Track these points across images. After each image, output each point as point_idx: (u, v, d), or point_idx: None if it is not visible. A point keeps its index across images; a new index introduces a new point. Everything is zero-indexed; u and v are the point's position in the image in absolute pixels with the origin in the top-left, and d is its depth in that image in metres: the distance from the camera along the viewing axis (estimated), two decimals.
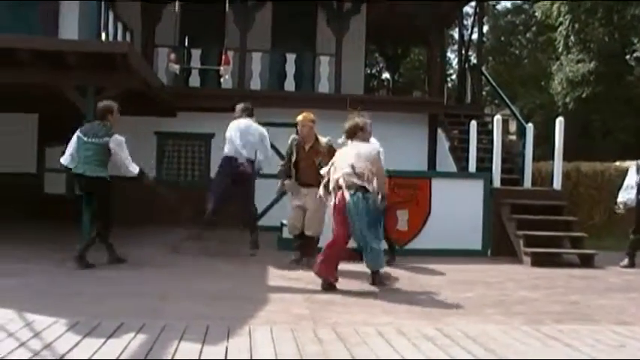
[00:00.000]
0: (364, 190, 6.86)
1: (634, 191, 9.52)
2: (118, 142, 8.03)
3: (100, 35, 10.94)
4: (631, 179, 9.67)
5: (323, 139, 8.43)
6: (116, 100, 8.90)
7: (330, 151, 7.86)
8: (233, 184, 9.26)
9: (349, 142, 7.28)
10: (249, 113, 9.46)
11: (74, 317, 5.20)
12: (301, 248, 8.53)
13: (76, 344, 4.50)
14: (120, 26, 12.76)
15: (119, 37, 12.57)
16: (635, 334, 5.37)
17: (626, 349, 4.90)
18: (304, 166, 8.46)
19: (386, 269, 7.61)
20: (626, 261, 9.47)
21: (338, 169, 7.07)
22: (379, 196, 7.00)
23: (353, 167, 6.91)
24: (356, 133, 7.25)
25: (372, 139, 7.96)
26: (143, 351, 4.40)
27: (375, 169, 7.00)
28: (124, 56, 9.04)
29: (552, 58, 27.03)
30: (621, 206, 9.74)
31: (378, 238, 7.05)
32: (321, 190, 7.36)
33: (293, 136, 8.73)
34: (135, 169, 8.24)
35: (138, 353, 4.36)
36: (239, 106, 9.53)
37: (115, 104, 8.22)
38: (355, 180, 6.87)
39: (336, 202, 6.97)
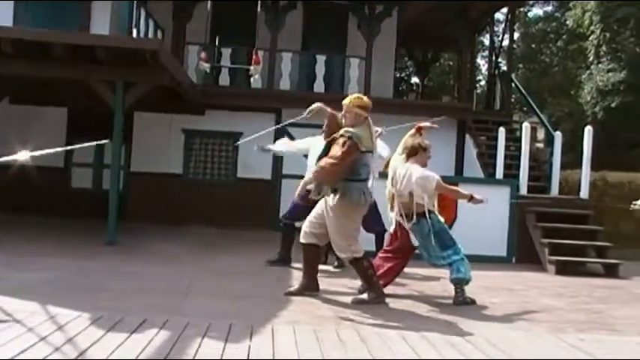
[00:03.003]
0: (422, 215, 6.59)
1: None
2: None
3: (131, 32, 11.04)
4: None
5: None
6: (145, 96, 8.98)
7: (344, 144, 6.04)
8: None
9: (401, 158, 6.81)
10: None
11: (98, 312, 5.23)
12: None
13: (99, 339, 4.49)
14: (151, 24, 12.88)
15: (150, 35, 12.68)
16: None
17: None
18: None
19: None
20: None
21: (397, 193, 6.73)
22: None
23: (410, 194, 6.60)
24: (417, 153, 6.78)
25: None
26: (166, 347, 4.40)
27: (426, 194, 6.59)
28: (154, 53, 9.13)
29: (582, 67, 26.75)
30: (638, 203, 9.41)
31: (453, 251, 6.63)
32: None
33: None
34: None
35: (160, 349, 4.35)
36: None
37: None
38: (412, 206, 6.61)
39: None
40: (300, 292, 6.52)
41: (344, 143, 6.03)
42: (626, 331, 5.80)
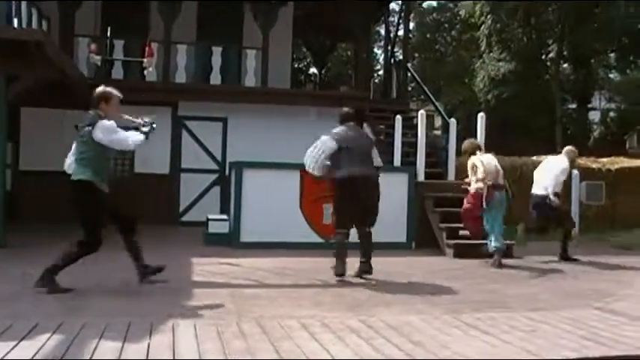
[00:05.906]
0: None
1: None
2: (103, 128, 6.32)
3: (12, 21, 10.43)
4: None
5: None
6: (32, 91, 8.50)
7: None
8: None
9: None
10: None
11: None
12: None
13: None
14: (35, 12, 12.18)
15: (34, 25, 12.01)
16: (546, 318, 5.59)
17: (537, 333, 5.07)
18: None
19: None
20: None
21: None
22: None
23: None
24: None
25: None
26: (59, 352, 4.20)
27: None
28: (38, 44, 8.69)
29: (475, 56, 27.68)
30: None
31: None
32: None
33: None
34: (138, 137, 6.64)
35: (53, 354, 4.16)
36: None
37: (113, 92, 6.68)
38: None
39: None
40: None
41: None
42: (517, 308, 6.07)
